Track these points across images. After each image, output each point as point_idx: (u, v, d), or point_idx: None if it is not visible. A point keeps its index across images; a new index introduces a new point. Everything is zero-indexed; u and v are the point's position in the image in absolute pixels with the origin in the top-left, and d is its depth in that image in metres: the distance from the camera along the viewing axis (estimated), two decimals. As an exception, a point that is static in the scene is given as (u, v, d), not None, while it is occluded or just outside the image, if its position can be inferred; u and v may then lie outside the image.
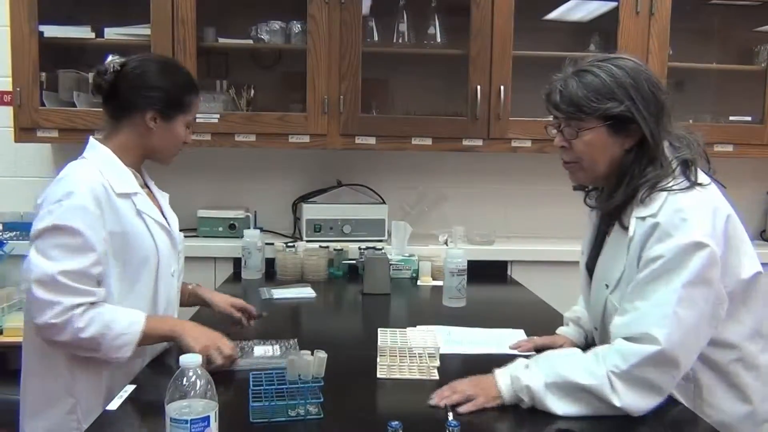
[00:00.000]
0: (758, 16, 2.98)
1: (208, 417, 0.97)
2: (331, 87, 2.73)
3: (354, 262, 2.74)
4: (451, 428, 0.99)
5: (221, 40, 2.80)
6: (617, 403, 1.26)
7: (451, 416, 1.06)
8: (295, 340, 1.71)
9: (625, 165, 1.38)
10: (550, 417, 1.29)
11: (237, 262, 2.76)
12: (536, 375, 1.32)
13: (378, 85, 2.98)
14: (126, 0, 2.75)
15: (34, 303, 1.51)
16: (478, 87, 2.73)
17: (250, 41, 2.81)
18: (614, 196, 1.42)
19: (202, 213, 2.89)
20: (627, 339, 1.31)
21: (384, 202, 2.97)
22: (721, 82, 3.01)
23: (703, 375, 1.46)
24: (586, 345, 1.68)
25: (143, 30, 2.69)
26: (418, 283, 2.65)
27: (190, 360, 1.00)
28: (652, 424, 1.31)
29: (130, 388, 1.45)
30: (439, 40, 2.86)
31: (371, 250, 2.69)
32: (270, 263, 2.74)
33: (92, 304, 1.53)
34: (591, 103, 1.35)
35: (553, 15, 3.00)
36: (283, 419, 1.25)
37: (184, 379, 0.98)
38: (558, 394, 1.29)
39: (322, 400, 1.27)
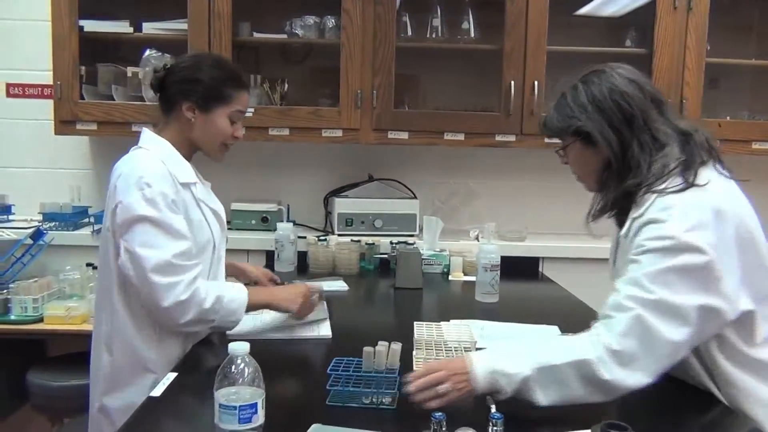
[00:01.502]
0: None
1: (256, 404, 0.99)
2: (365, 81, 2.74)
3: (386, 256, 2.75)
4: (494, 420, 0.99)
5: (256, 35, 2.83)
6: (607, 376, 1.25)
7: (493, 408, 1.07)
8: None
9: (602, 175, 1.45)
10: (594, 409, 1.28)
11: (269, 255, 2.78)
12: (519, 364, 1.29)
13: (411, 81, 2.99)
14: (164, -5, 2.80)
15: (155, 290, 1.58)
16: (512, 82, 2.73)
17: (285, 36, 2.84)
18: (598, 205, 1.49)
19: (236, 206, 2.92)
20: (606, 317, 1.31)
21: (415, 197, 2.98)
22: (759, 78, 2.96)
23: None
24: None
25: (180, 25, 2.72)
26: (450, 278, 2.65)
27: (239, 348, 1.02)
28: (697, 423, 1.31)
29: (172, 375, 1.48)
30: (472, 35, 2.85)
31: (403, 244, 2.70)
32: (302, 256, 2.76)
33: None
34: (559, 123, 1.47)
35: (588, 10, 2.97)
36: (357, 405, 1.29)
37: (233, 367, 1.01)
38: (542, 383, 1.27)
39: (396, 391, 1.29)
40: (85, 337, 2.21)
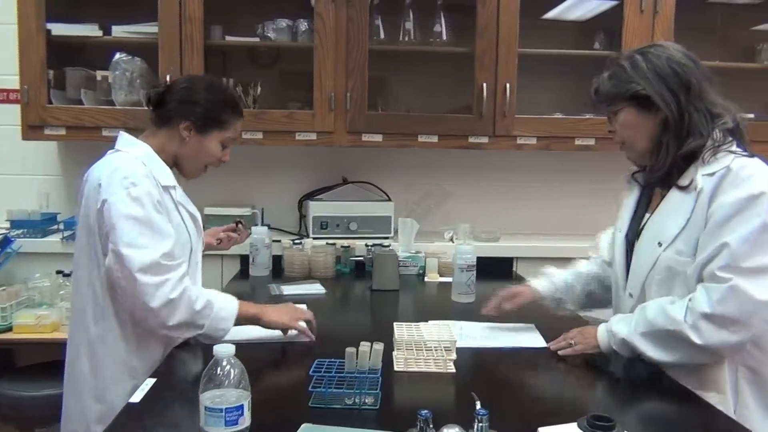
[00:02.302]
0: (759, 14, 3.00)
1: (242, 406, 0.98)
2: (338, 84, 2.74)
3: (361, 258, 2.76)
4: (479, 416, 1.00)
5: (228, 38, 2.81)
6: (699, 341, 1.41)
7: (478, 405, 1.08)
8: None
9: (657, 136, 1.56)
10: (581, 405, 1.32)
11: (244, 260, 2.76)
12: (627, 327, 1.53)
13: (384, 83, 3.00)
14: (133, -2, 2.76)
15: (143, 290, 1.56)
16: (484, 84, 2.75)
17: (257, 39, 2.83)
18: (656, 166, 1.59)
19: (209, 210, 2.89)
20: (709, 279, 1.44)
21: (390, 199, 2.99)
22: (724, 80, 3.02)
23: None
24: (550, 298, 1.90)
25: (151, 28, 2.69)
26: (425, 279, 2.66)
27: (224, 350, 1.01)
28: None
29: (150, 381, 1.46)
30: (444, 38, 2.87)
31: (378, 246, 2.70)
32: (277, 260, 2.74)
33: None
34: (614, 89, 1.58)
35: (557, 13, 3.01)
36: (339, 407, 1.29)
37: (218, 369, 1.00)
38: (649, 341, 1.49)
39: (378, 391, 1.30)
40: (56, 346, 2.17)
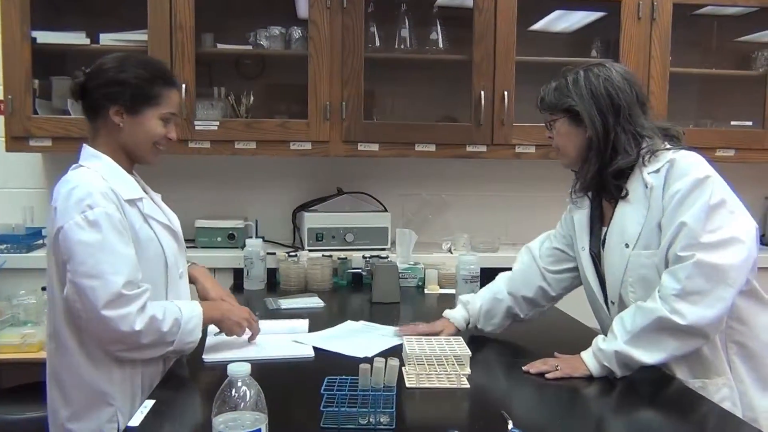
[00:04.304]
0: (754, 22, 3.00)
1: (259, 430, 0.91)
2: (333, 93, 2.68)
3: (359, 270, 2.69)
4: (514, 436, 0.94)
5: (220, 46, 2.75)
6: (683, 322, 1.43)
7: (511, 424, 1.01)
8: None
9: (586, 152, 1.65)
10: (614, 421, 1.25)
11: (236, 273, 2.69)
12: (614, 340, 1.51)
13: (380, 92, 2.95)
14: (122, 5, 2.68)
15: (107, 323, 1.47)
16: (482, 93, 2.71)
17: (250, 47, 2.76)
18: (578, 175, 1.70)
19: (200, 223, 2.82)
20: (674, 262, 1.48)
21: (386, 210, 2.92)
22: (721, 87, 3.03)
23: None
24: (466, 328, 1.89)
25: (140, 36, 2.62)
26: (426, 291, 2.60)
27: (239, 369, 0.94)
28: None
29: (149, 403, 1.38)
30: (441, 45, 2.83)
31: (376, 258, 2.64)
32: (271, 273, 2.67)
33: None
34: (555, 99, 1.67)
35: (554, 21, 2.99)
36: (353, 427, 1.22)
37: (233, 391, 0.92)
38: (639, 347, 1.48)
39: (393, 410, 1.23)
40: (43, 366, 2.08)
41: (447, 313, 1.93)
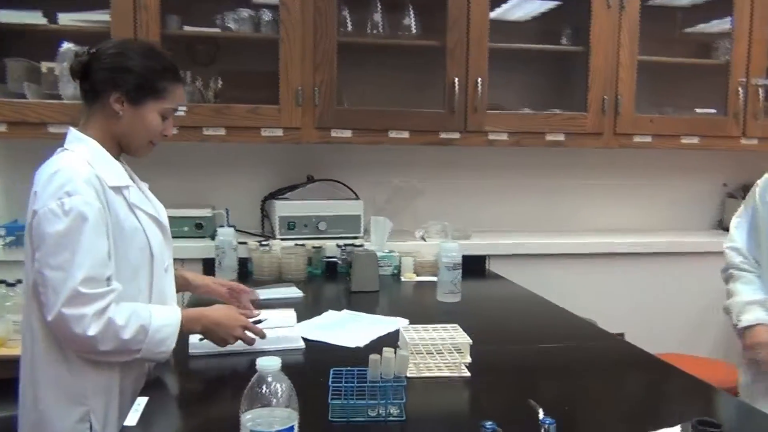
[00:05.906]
0: (715, 12, 3.07)
1: (292, 427, 0.87)
2: (305, 78, 2.62)
3: (334, 259, 2.64)
4: (546, 426, 0.93)
5: (186, 28, 2.64)
6: None
7: (541, 413, 1.00)
8: None
9: None
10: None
11: (206, 263, 2.61)
12: None
13: (352, 78, 2.89)
14: (82, -18, 2.55)
15: (63, 319, 1.37)
16: (456, 79, 2.69)
17: (218, 30, 2.67)
18: None
19: (168, 212, 2.71)
20: None
21: (358, 198, 2.89)
22: (686, 76, 3.09)
23: None
24: None
25: (102, 16, 2.50)
26: (402, 279, 2.58)
27: (269, 364, 0.89)
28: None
29: (143, 400, 1.32)
30: (413, 31, 2.80)
31: (351, 246, 2.60)
32: (242, 263, 2.60)
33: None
34: None
35: (524, 8, 2.99)
36: (363, 419, 1.19)
37: (264, 387, 0.87)
38: None
39: (404, 400, 1.20)
40: (5, 363, 1.98)
41: (759, 318, 1.82)
